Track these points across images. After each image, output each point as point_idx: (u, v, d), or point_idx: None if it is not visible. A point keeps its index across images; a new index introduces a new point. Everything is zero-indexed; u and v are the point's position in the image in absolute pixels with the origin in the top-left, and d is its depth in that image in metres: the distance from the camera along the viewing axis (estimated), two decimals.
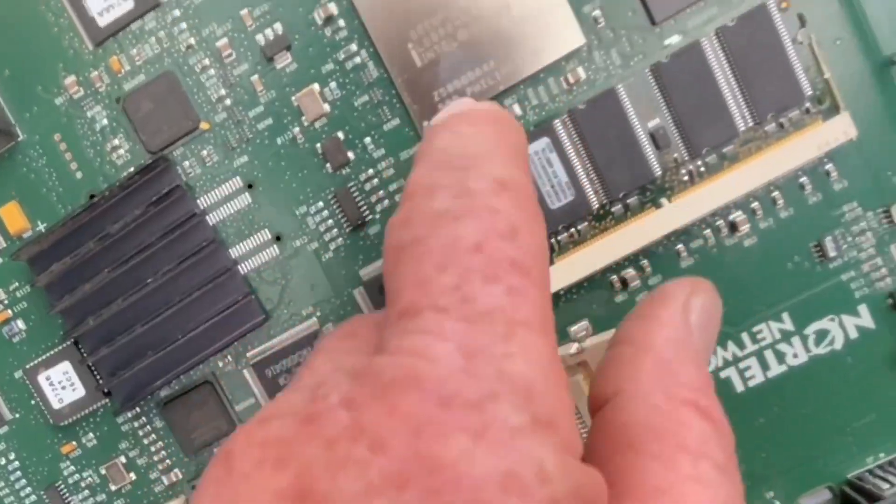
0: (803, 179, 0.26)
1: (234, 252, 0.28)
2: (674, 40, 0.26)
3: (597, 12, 0.27)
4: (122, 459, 0.30)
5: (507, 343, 0.15)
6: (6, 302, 0.30)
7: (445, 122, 0.19)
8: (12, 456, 0.30)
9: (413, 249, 0.16)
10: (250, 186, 0.28)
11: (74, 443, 0.30)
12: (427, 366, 0.14)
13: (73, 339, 0.29)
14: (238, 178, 0.28)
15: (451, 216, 0.16)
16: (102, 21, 0.28)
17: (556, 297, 0.27)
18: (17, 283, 0.30)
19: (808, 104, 0.25)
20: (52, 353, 0.29)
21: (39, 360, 0.29)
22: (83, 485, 0.30)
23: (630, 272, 0.27)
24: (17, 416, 0.30)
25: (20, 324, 0.30)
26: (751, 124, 0.26)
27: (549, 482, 0.14)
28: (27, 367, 0.29)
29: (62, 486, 0.30)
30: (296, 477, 0.14)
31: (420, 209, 0.17)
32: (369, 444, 0.14)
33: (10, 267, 0.29)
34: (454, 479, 0.13)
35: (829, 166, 0.26)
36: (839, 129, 0.25)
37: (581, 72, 0.27)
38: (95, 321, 0.28)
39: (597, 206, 0.26)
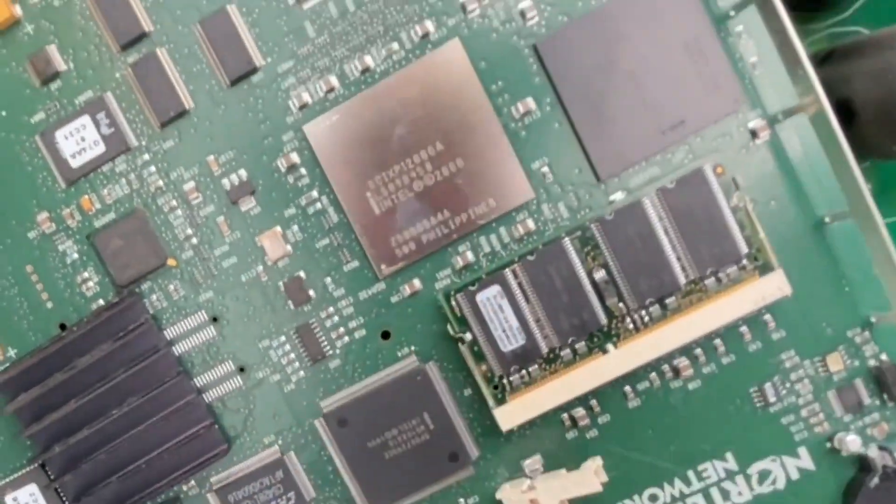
0: (743, 329, 0.28)
1: (199, 381, 0.30)
2: (618, 196, 0.28)
3: (545, 168, 0.28)
4: None
5: None
6: None
7: None
8: None
9: None
10: (215, 320, 0.30)
11: None
12: None
13: (40, 463, 0.30)
14: (203, 311, 0.30)
15: None
16: (75, 163, 0.30)
17: (510, 433, 0.29)
18: None
19: (744, 261, 0.27)
20: (19, 474, 0.30)
21: (6, 480, 0.30)
22: None
23: (580, 411, 0.28)
24: None
25: None
26: (691, 277, 0.27)
27: None
28: None
29: None
30: None
31: None
32: None
33: None
34: None
35: (766, 317, 0.28)
36: (774, 286, 0.26)
37: (531, 223, 0.28)
38: (61, 447, 0.29)
39: (546, 350, 0.27)
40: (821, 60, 0.30)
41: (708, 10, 0.27)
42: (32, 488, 0.30)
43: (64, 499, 0.30)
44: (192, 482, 0.30)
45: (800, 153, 0.27)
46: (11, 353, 0.30)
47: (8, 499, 0.30)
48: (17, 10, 0.29)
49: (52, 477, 0.30)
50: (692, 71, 0.27)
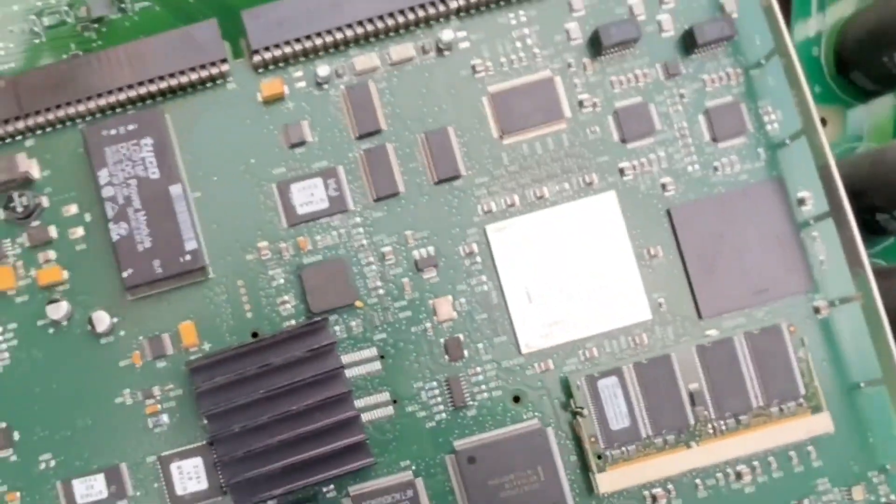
0: (791, 453, 0.37)
1: (359, 403, 0.37)
2: (712, 332, 0.37)
3: (661, 300, 0.38)
4: None
5: None
6: (159, 398, 0.37)
7: None
8: None
9: None
10: (382, 357, 0.37)
11: None
12: None
13: (209, 441, 0.36)
14: (375, 348, 0.37)
15: None
16: (301, 210, 0.38)
17: (603, 497, 0.36)
18: (171, 386, 0.37)
19: (802, 399, 0.36)
20: (188, 447, 0.36)
21: (176, 451, 0.36)
22: None
23: (659, 491, 0.36)
24: (139, 493, 0.36)
25: (165, 418, 0.37)
26: (761, 404, 0.36)
27: None
28: (163, 454, 0.36)
29: None
30: None
31: None
32: None
33: (171, 371, 0.37)
34: None
35: (810, 447, 0.37)
36: (821, 424, 0.36)
37: (645, 337, 0.37)
38: (238, 430, 0.35)
39: (644, 435, 0.36)
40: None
41: (793, 216, 0.38)
42: (197, 461, 0.36)
43: (221, 476, 0.36)
44: (332, 486, 0.36)
45: (848, 331, 0.37)
46: (206, 346, 0.37)
47: (173, 466, 0.36)
48: (286, 90, 0.39)
49: (216, 455, 0.36)
50: (778, 255, 0.38)
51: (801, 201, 0.38)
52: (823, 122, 0.46)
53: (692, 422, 0.36)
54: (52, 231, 0.38)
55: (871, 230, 0.44)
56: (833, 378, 0.37)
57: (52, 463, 0.37)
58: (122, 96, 0.37)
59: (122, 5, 0.42)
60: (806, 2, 0.48)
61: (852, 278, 0.37)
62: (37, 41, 0.42)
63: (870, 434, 0.37)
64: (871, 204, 0.43)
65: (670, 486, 0.36)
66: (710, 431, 0.36)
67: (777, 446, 0.36)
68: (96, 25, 0.42)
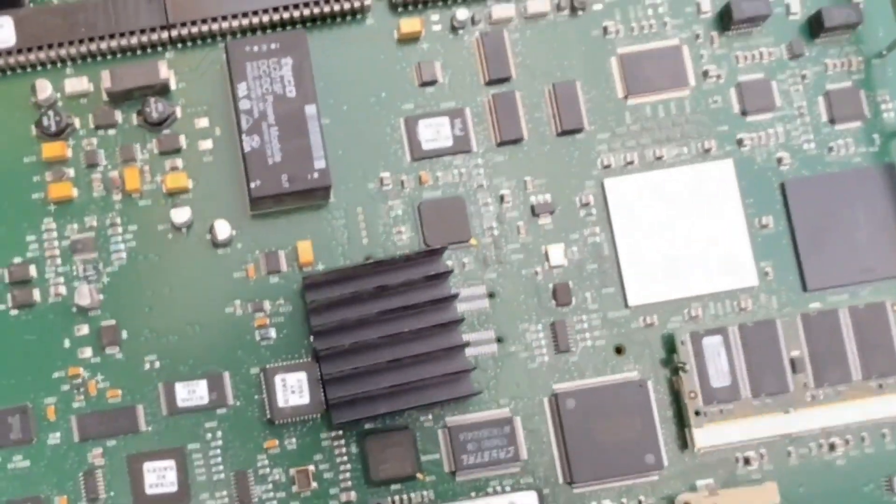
0: (885, 430, 0.37)
1: (466, 337, 0.38)
2: (816, 305, 0.38)
3: (769, 268, 0.39)
4: (312, 468, 0.36)
5: None
6: (269, 312, 0.38)
7: None
8: (219, 434, 0.37)
9: None
10: (491, 295, 0.38)
11: (277, 441, 0.37)
12: None
13: (317, 356, 0.37)
14: (484, 286, 0.38)
15: None
16: (426, 146, 0.39)
17: (696, 454, 0.37)
18: (282, 301, 0.38)
19: None
20: (294, 362, 0.37)
21: (280, 364, 0.37)
22: (269, 479, 0.37)
23: (751, 454, 0.37)
24: (238, 404, 0.37)
25: (272, 332, 0.38)
26: (860, 377, 0.37)
27: None
28: (267, 367, 0.37)
29: (251, 474, 0.37)
30: None
31: None
32: None
33: (283, 287, 0.38)
34: None
35: None
36: None
37: (750, 303, 0.38)
38: (348, 346, 0.36)
39: (743, 396, 0.37)
40: None
41: None
42: (301, 376, 0.37)
43: (324, 393, 0.37)
44: (430, 416, 0.37)
45: None
46: (321, 266, 0.38)
47: (277, 378, 0.37)
48: (423, 30, 0.40)
49: (322, 370, 0.37)
50: (886, 237, 0.39)
51: None
52: None
53: (791, 388, 0.37)
54: (182, 140, 0.39)
55: None
56: None
57: (157, 364, 0.38)
58: (265, 18, 0.39)
59: None
60: None
61: None
62: None
63: None
64: None
65: (763, 451, 0.37)
66: (809, 399, 0.37)
67: (873, 420, 0.37)
68: None
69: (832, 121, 0.40)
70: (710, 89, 0.40)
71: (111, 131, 0.39)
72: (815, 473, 0.37)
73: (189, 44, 0.40)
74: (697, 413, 0.37)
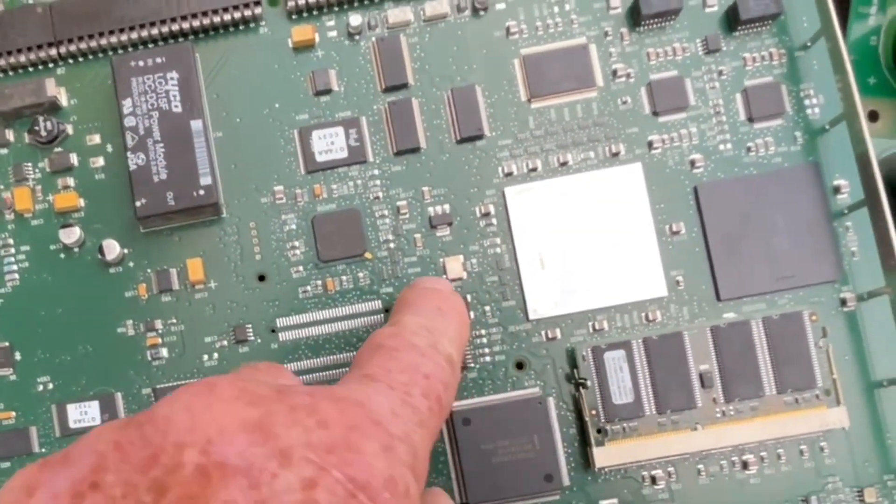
0: (803, 447, 0.38)
1: None
2: (730, 316, 0.39)
3: (679, 277, 0.40)
4: None
5: (417, 413, 0.28)
6: (160, 331, 0.40)
7: (437, 292, 0.35)
8: None
9: (389, 351, 0.30)
10: (387, 311, 0.40)
11: None
12: (371, 402, 0.27)
13: None
14: (380, 301, 0.40)
15: (420, 352, 0.30)
16: (319, 158, 0.41)
17: (599, 473, 0.38)
18: (174, 320, 0.40)
19: (818, 392, 0.38)
20: (184, 382, 0.39)
21: (171, 385, 0.39)
22: None
23: (659, 473, 0.38)
24: None
25: (164, 352, 0.40)
26: (774, 392, 0.38)
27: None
28: (158, 387, 0.39)
29: None
30: (260, 415, 0.25)
31: (405, 336, 0.31)
32: (318, 420, 0.25)
33: (175, 305, 0.40)
34: (360, 463, 0.25)
35: (823, 443, 0.38)
36: (836, 418, 0.37)
37: (659, 314, 0.39)
38: None
39: (647, 413, 0.38)
40: None
41: (827, 204, 0.40)
42: None
43: None
44: None
45: (875, 326, 0.39)
46: (213, 284, 0.41)
47: None
48: (316, 38, 0.42)
49: None
50: (808, 242, 0.40)
51: (837, 189, 0.40)
52: (875, 115, 0.48)
53: (700, 404, 0.38)
54: (73, 158, 0.42)
55: None
56: (854, 373, 0.39)
57: (50, 385, 0.41)
58: (154, 31, 0.41)
59: None
60: None
61: (883, 273, 0.38)
62: None
63: (888, 435, 0.38)
64: None
65: (671, 469, 0.38)
66: (718, 415, 0.38)
67: (788, 437, 0.38)
68: None
69: (751, 119, 0.41)
70: (619, 89, 0.41)
71: (3, 150, 0.42)
72: (726, 492, 0.38)
73: (79, 59, 0.42)
74: (599, 431, 0.38)
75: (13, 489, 0.25)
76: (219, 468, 0.24)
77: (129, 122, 0.40)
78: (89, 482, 0.24)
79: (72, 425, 0.40)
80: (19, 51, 0.41)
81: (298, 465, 0.24)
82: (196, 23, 0.41)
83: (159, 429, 0.25)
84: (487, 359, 0.40)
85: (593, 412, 0.38)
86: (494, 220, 0.41)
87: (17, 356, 0.41)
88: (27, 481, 0.25)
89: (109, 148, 0.42)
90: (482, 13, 0.42)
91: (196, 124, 0.40)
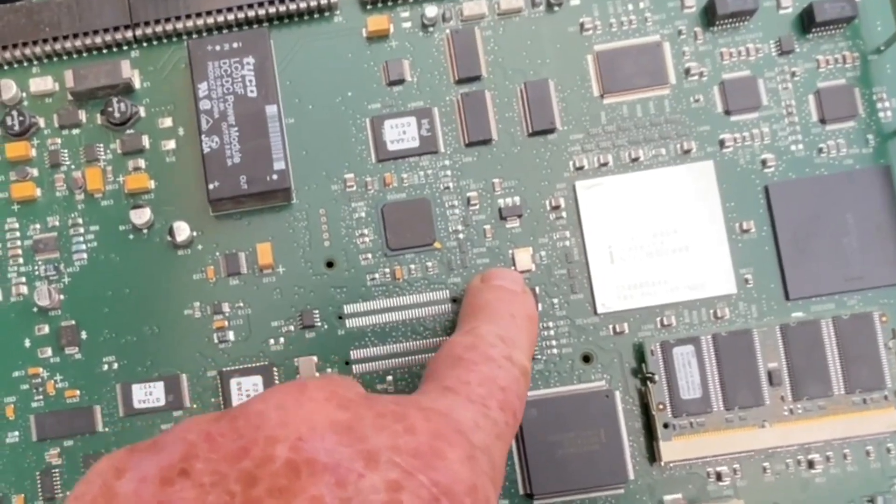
0: (869, 447, 0.40)
1: (423, 343, 0.41)
2: (798, 315, 0.41)
3: (749, 275, 0.41)
4: None
5: (496, 426, 0.30)
6: (227, 314, 0.42)
7: (510, 293, 0.37)
8: None
9: (467, 364, 0.32)
10: (454, 301, 0.42)
11: None
12: (454, 413, 0.29)
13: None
14: (448, 291, 0.42)
15: (496, 364, 0.32)
16: (391, 146, 0.43)
17: (664, 468, 0.40)
18: (241, 304, 0.42)
19: (887, 393, 0.39)
20: (250, 366, 0.41)
21: (237, 367, 0.41)
22: None
23: (724, 469, 0.39)
24: (195, 406, 0.41)
25: (231, 335, 0.42)
26: (843, 392, 0.39)
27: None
28: (223, 370, 0.41)
29: None
30: (349, 418, 0.27)
31: (482, 349, 0.33)
32: (405, 427, 0.27)
33: (242, 289, 0.42)
34: (445, 469, 0.26)
35: (890, 444, 0.39)
36: None
37: (727, 311, 0.41)
38: None
39: (715, 409, 0.39)
40: None
41: None
42: (257, 380, 0.41)
43: None
44: None
45: None
46: (281, 269, 0.42)
47: (233, 382, 0.41)
48: (391, 28, 0.44)
49: None
50: (878, 244, 0.41)
51: None
52: None
53: (767, 401, 0.39)
54: (145, 140, 0.43)
55: None
56: None
57: (115, 365, 0.42)
58: (230, 16, 0.43)
59: None
60: None
61: None
62: None
63: None
64: None
65: (736, 466, 0.40)
66: (786, 413, 0.39)
67: (855, 437, 0.39)
68: None
69: (823, 120, 0.42)
70: (691, 88, 0.43)
71: (75, 131, 0.44)
72: (791, 491, 0.40)
73: (154, 43, 0.44)
74: (666, 426, 0.39)
75: (102, 471, 0.27)
76: (308, 464, 0.25)
77: (204, 105, 0.42)
78: (178, 469, 0.26)
79: (136, 405, 0.42)
80: (95, 32, 0.43)
81: (385, 468, 0.26)
82: (272, 10, 0.43)
83: (252, 423, 0.26)
84: (554, 351, 0.41)
85: (660, 406, 0.39)
86: (564, 214, 0.42)
87: (84, 335, 0.42)
88: (116, 464, 0.27)
89: (181, 131, 0.44)
90: (556, 8, 0.44)
91: (271, 109, 0.42)
